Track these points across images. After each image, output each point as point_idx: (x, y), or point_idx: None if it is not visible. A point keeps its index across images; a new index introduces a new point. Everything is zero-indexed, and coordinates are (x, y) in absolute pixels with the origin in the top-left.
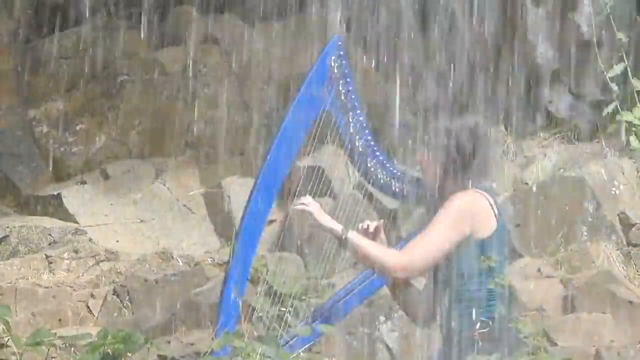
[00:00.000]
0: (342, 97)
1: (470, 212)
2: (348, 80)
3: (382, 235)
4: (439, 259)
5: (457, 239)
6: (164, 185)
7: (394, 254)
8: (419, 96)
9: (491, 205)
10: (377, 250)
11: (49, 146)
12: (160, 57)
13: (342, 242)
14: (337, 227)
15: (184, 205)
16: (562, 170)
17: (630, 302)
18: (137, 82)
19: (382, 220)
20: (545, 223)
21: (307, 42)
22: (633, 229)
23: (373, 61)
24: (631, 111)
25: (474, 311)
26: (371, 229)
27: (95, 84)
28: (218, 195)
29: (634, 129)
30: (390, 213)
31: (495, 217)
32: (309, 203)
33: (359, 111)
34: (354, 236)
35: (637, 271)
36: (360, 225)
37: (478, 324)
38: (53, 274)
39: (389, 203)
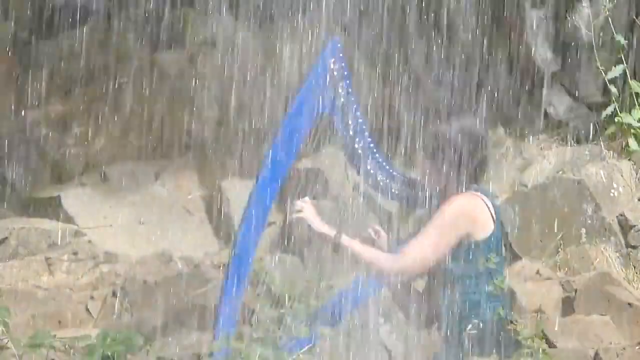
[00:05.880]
0: (341, 99)
1: (467, 214)
2: (347, 82)
3: (383, 234)
4: (434, 261)
5: (453, 242)
6: (163, 187)
7: (388, 258)
8: (417, 98)
9: (488, 207)
10: (371, 255)
11: (47, 148)
12: (158, 59)
13: (335, 246)
14: (330, 231)
15: (183, 207)
16: (561, 172)
17: (629, 304)
18: (136, 84)
19: (375, 226)
20: (544, 225)
21: (307, 45)
22: (632, 230)
23: (371, 63)
24: (630, 113)
25: (473, 312)
26: (374, 235)
27: (93, 86)
28: (217, 197)
29: (632, 131)
30: (389, 215)
31: (493, 219)
32: (302, 208)
33: (358, 113)
34: (346, 241)
35: (636, 273)
36: (370, 231)
37: (477, 325)
38: (52, 276)
39: (388, 205)
